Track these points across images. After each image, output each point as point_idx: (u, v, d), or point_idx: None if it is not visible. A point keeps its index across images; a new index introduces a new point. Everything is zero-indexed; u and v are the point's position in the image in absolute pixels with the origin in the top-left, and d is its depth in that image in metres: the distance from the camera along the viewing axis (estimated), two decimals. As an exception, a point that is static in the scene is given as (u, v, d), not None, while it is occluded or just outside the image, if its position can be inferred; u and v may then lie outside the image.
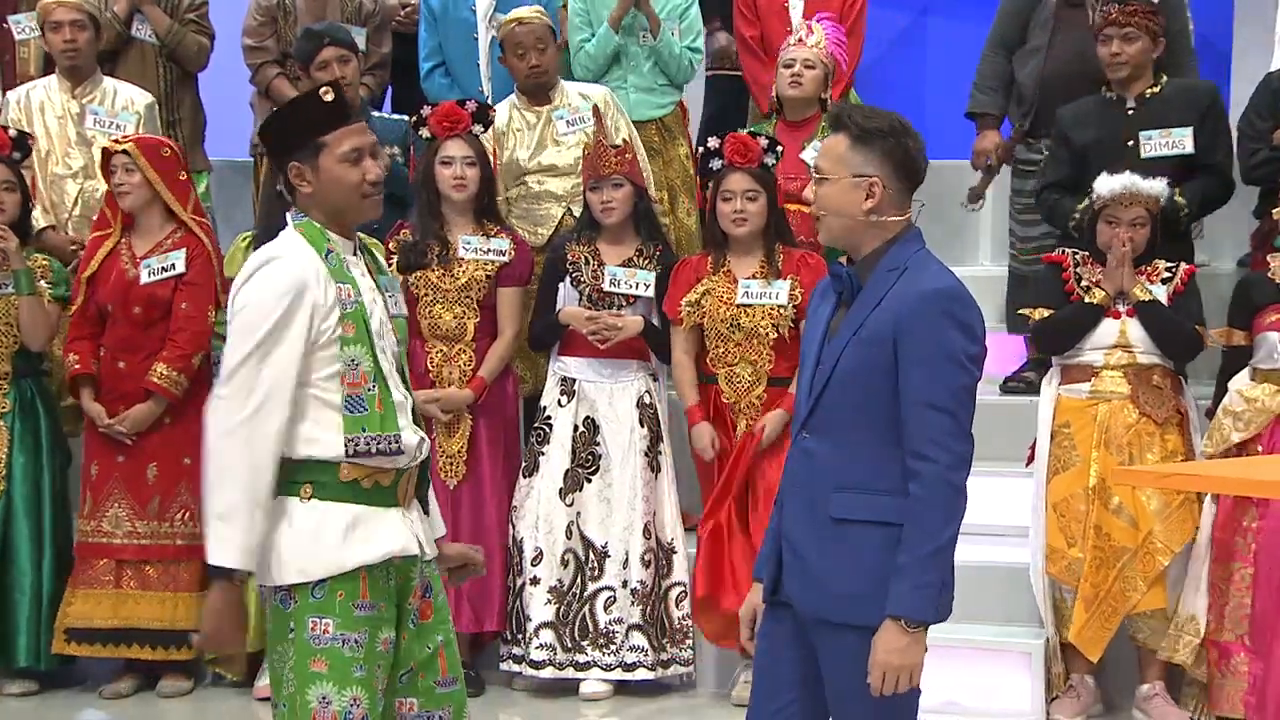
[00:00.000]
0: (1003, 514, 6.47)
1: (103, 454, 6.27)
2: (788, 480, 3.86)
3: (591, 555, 6.22)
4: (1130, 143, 6.44)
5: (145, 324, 6.24)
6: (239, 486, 3.71)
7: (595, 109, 6.80)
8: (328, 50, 6.89)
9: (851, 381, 3.69)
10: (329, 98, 3.83)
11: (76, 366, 6.25)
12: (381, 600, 3.84)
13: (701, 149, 6.25)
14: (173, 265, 6.22)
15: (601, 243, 6.32)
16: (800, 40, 6.75)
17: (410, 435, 3.88)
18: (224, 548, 3.72)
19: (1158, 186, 5.94)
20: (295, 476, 3.81)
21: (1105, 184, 5.95)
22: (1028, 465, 6.12)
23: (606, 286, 6.24)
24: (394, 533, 3.86)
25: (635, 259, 6.29)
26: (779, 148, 6.15)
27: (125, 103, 7.14)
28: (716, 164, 6.12)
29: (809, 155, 6.32)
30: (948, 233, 8.15)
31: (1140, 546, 5.84)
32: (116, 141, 6.37)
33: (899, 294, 3.67)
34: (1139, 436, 5.91)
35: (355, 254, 3.93)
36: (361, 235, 4.06)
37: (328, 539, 3.80)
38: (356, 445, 3.78)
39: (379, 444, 3.81)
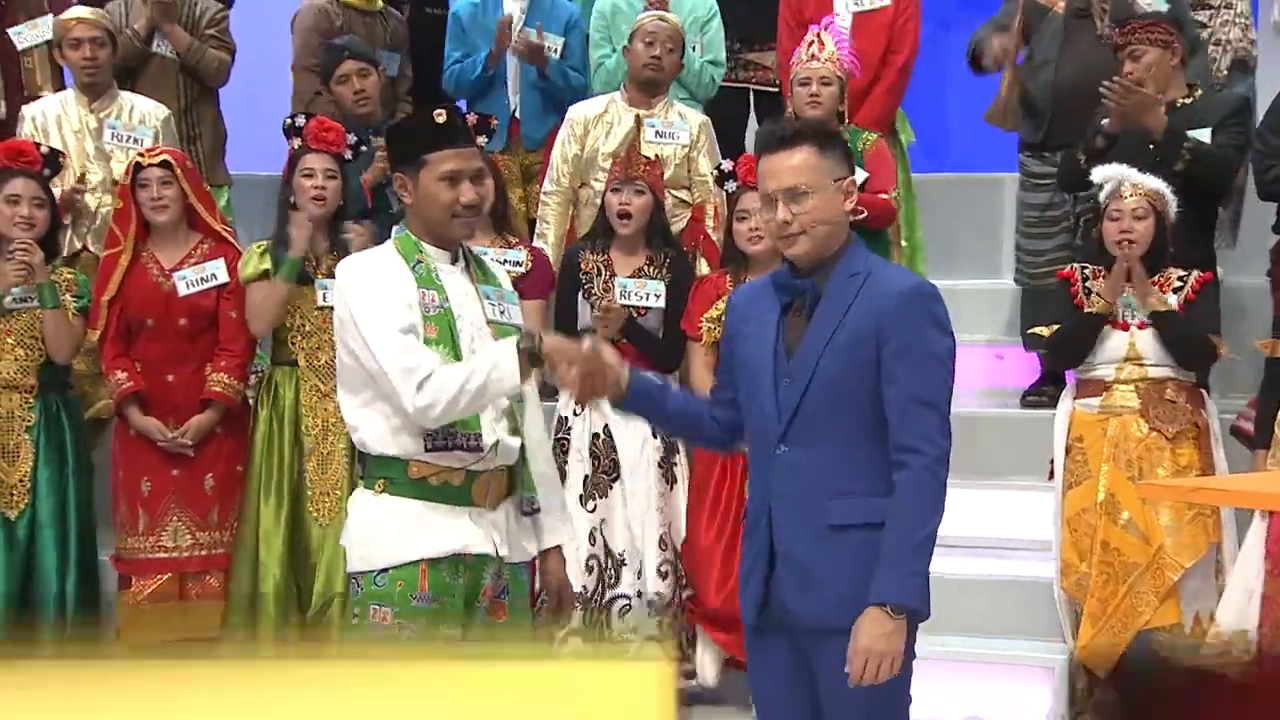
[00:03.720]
0: (1025, 528, 6.84)
1: (154, 469, 6.63)
2: (772, 495, 4.11)
3: (610, 562, 6.58)
4: (1152, 146, 6.81)
5: (191, 335, 6.70)
6: (440, 394, 4.23)
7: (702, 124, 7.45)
8: (348, 63, 7.52)
9: (835, 387, 3.99)
10: (441, 119, 4.37)
11: (128, 385, 6.62)
12: (445, 595, 4.31)
13: (716, 170, 6.69)
14: (213, 275, 6.67)
15: (614, 251, 6.74)
16: (813, 56, 7.14)
17: (490, 436, 4.37)
18: (492, 391, 4.25)
19: (1154, 180, 6.28)
20: (373, 471, 4.36)
21: (1100, 173, 6.36)
22: (1049, 479, 6.47)
23: (616, 299, 6.66)
24: (459, 531, 4.33)
25: (646, 268, 6.73)
26: None
27: (142, 116, 7.67)
28: (731, 186, 6.58)
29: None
30: (970, 247, 8.51)
31: (1151, 562, 6.11)
32: (143, 154, 6.75)
33: (873, 295, 4.00)
34: (1149, 451, 6.20)
35: (456, 262, 4.47)
36: (472, 248, 4.60)
37: (390, 531, 4.30)
38: (435, 439, 4.32)
39: (456, 440, 4.31)
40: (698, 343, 6.59)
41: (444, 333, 4.34)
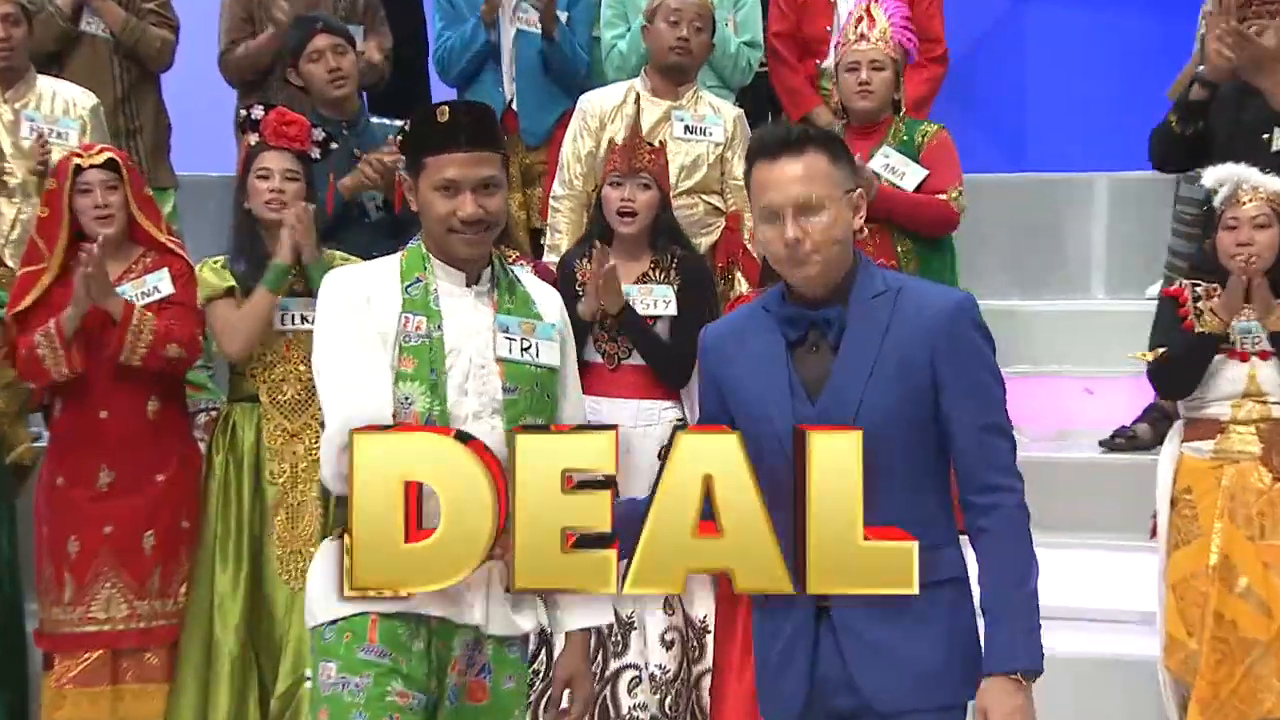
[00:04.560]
0: (1123, 596, 6.58)
1: (84, 525, 6.18)
2: None
3: (615, 626, 6.23)
4: (1265, 135, 6.59)
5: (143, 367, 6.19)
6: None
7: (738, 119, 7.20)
8: (321, 38, 7.14)
9: (886, 424, 3.73)
10: (443, 118, 4.12)
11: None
12: (400, 654, 4.05)
13: None
14: (155, 289, 6.22)
15: (615, 256, 6.36)
16: (862, 35, 6.82)
17: None
18: None
19: (1277, 184, 6.00)
20: (339, 516, 4.09)
21: (1213, 175, 6.05)
22: (1152, 537, 6.14)
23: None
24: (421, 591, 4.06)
25: (652, 272, 6.38)
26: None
27: (65, 105, 7.24)
28: None
29: (879, 164, 6.59)
30: (1052, 260, 8.26)
31: (1274, 639, 5.80)
32: (82, 153, 6.32)
33: (915, 315, 3.82)
34: (1272, 506, 5.87)
35: (474, 284, 4.21)
36: (508, 268, 4.34)
37: (340, 582, 4.01)
38: None
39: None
40: None
41: (422, 368, 4.11)
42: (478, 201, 4.11)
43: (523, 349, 4.20)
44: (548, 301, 4.36)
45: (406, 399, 4.07)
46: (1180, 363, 6.03)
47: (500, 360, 4.16)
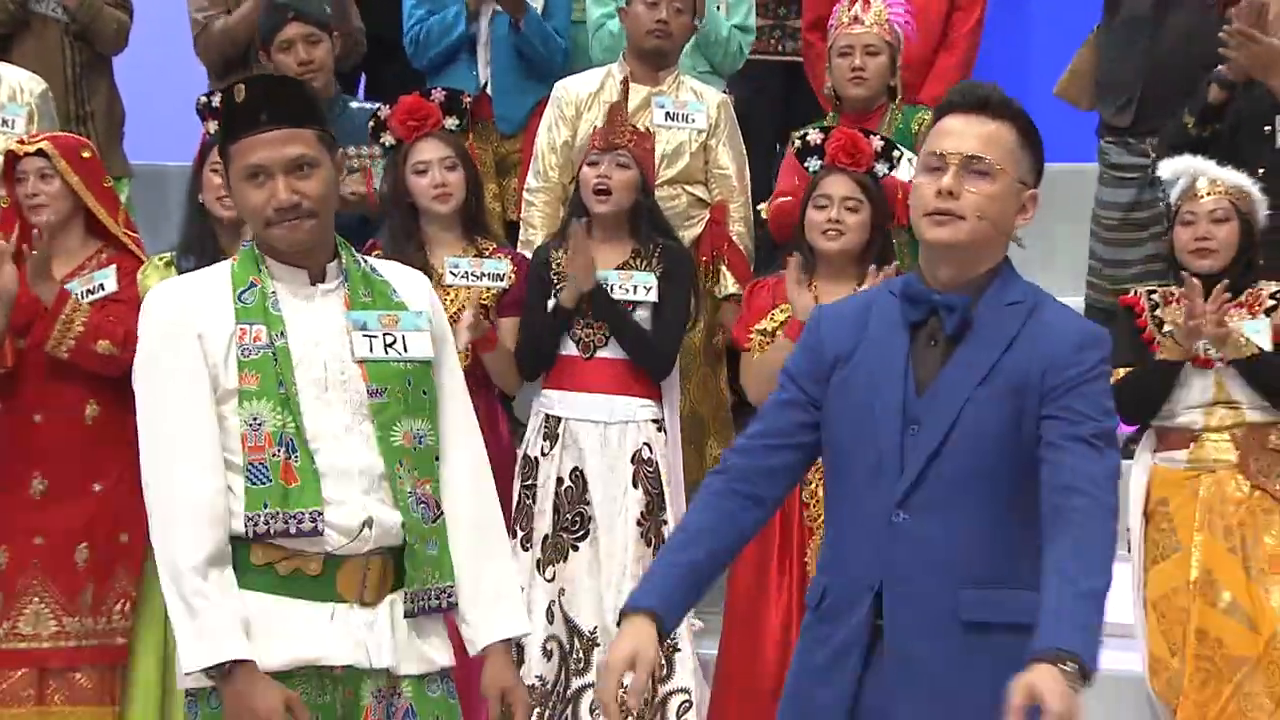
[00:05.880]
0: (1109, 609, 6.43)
1: (14, 535, 6.12)
2: (884, 573, 3.69)
3: (577, 643, 6.15)
4: (1268, 128, 6.54)
5: (69, 364, 6.07)
6: (165, 568, 3.80)
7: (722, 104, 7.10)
8: (292, 27, 7.03)
9: (985, 440, 3.64)
10: (240, 97, 3.88)
11: None
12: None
13: (799, 142, 6.29)
14: (100, 286, 6.13)
15: (593, 243, 6.30)
16: (856, 18, 6.76)
17: (350, 515, 3.85)
18: (183, 651, 3.79)
19: (1237, 175, 5.96)
20: None
21: (1169, 167, 6.04)
22: (1127, 550, 5.98)
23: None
24: (313, 636, 3.84)
25: (633, 262, 6.33)
26: (896, 154, 6.16)
27: (11, 91, 7.15)
28: (814, 164, 6.17)
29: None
30: (1049, 256, 7.99)
31: (1263, 655, 5.74)
32: (23, 141, 6.30)
33: (1042, 335, 3.67)
34: (1252, 515, 5.83)
35: (321, 281, 3.97)
36: (364, 259, 4.11)
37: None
38: (256, 524, 3.81)
39: (279, 523, 3.81)
40: (747, 352, 6.21)
41: (267, 382, 3.86)
42: (291, 186, 3.85)
43: (386, 345, 3.96)
44: (413, 288, 4.12)
45: (254, 419, 3.84)
46: (1144, 390, 5.98)
47: (361, 362, 3.93)
